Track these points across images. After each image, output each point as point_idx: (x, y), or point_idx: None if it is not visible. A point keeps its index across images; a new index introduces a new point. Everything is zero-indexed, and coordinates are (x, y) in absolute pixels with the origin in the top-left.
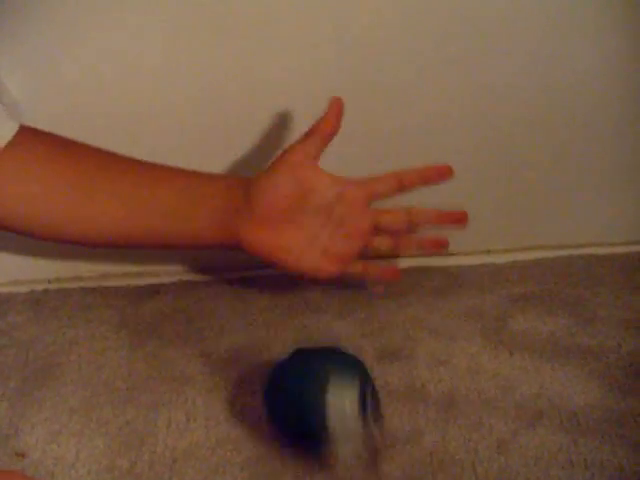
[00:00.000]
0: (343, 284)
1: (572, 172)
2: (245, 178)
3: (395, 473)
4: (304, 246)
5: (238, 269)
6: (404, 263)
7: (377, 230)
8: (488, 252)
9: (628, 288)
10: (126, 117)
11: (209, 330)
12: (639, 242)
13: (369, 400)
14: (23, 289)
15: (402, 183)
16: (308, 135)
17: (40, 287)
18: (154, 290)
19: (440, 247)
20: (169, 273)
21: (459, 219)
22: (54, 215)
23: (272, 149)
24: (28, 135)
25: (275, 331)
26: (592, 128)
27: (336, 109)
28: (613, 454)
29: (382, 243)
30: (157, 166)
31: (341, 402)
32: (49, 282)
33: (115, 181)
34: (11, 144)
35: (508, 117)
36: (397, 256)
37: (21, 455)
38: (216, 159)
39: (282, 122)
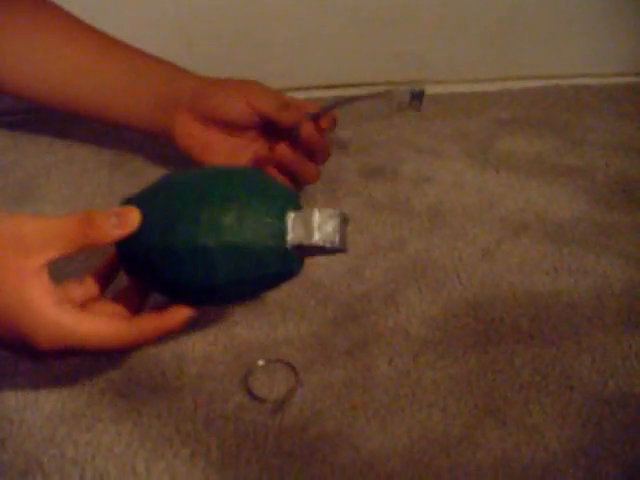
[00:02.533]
0: None
1: (559, 1)
2: (195, 76)
3: (378, 279)
4: (232, 153)
5: None
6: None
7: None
8: (476, 81)
9: (616, 115)
10: None
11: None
12: (628, 73)
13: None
14: (1, 118)
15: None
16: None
17: (19, 117)
18: None
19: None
20: None
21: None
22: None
23: None
24: None
25: None
26: None
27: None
28: (597, 262)
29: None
30: (113, 39)
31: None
32: (28, 112)
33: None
34: None
35: None
36: None
37: None
38: None
39: None
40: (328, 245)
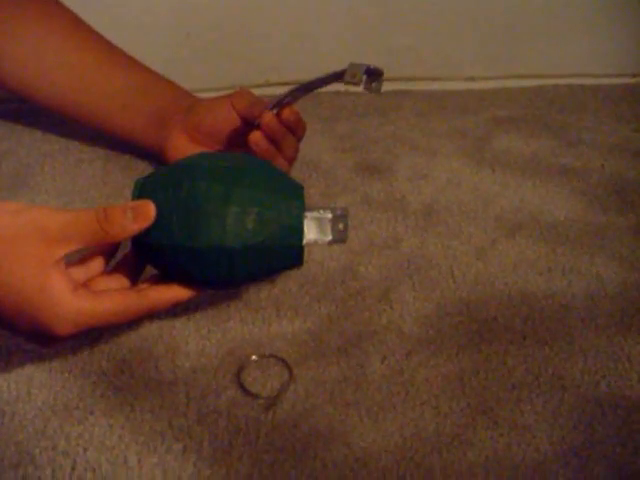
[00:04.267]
0: None
1: (558, 1)
2: (191, 96)
3: (372, 276)
4: None
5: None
6: (384, 86)
7: None
8: (473, 79)
9: (613, 116)
10: None
11: None
12: (625, 74)
13: None
14: None
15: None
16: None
17: (13, 105)
18: None
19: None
20: None
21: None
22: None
23: None
24: None
25: None
26: None
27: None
28: (591, 263)
29: None
30: (121, 52)
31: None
32: (23, 101)
33: (78, 50)
34: None
35: None
36: None
37: None
38: None
39: None
40: (338, 243)
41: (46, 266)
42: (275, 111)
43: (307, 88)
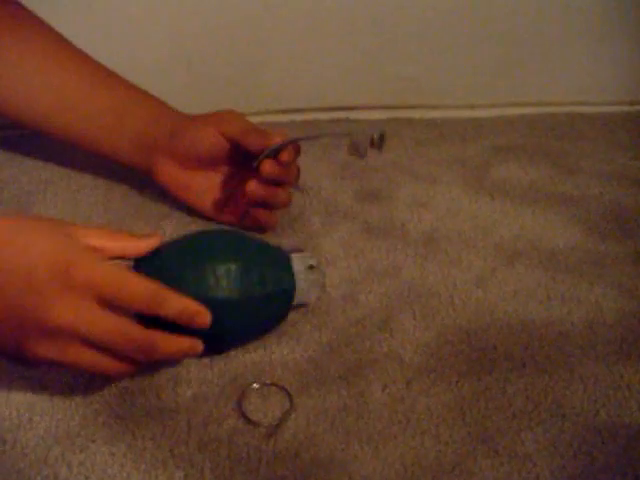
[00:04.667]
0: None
1: (557, 29)
2: (176, 115)
3: (372, 304)
4: (207, 190)
5: None
6: (384, 114)
7: None
8: (472, 107)
9: (611, 144)
10: None
11: None
12: (623, 102)
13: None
14: None
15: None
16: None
17: (15, 132)
18: None
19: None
20: None
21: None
22: None
23: None
24: None
25: None
26: None
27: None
28: (590, 291)
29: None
30: (104, 71)
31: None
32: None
33: (61, 70)
34: None
35: None
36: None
37: None
38: None
39: None
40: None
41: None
42: (272, 155)
43: (309, 138)
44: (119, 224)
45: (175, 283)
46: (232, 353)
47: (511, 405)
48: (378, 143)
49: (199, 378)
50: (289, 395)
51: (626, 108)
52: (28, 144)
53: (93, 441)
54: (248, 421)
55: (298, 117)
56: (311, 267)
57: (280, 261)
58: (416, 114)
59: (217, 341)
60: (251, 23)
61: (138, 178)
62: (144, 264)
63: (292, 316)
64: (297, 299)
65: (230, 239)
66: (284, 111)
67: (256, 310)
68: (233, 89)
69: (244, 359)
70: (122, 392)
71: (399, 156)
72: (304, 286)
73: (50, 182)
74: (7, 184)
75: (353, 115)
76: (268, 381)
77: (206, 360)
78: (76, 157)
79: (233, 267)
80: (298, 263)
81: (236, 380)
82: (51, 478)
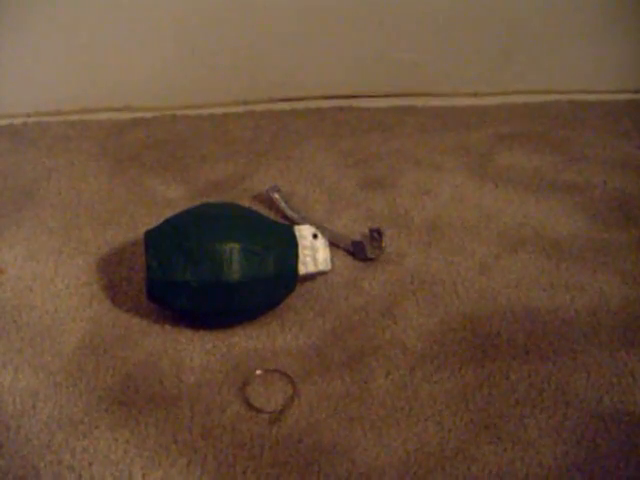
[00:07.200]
0: None
1: (561, 18)
2: None
3: (376, 291)
4: None
5: (220, 105)
6: (388, 102)
7: None
8: (475, 94)
9: (615, 132)
10: None
11: (190, 159)
12: (627, 90)
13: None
14: (1, 122)
15: None
16: None
17: (19, 120)
18: (134, 123)
19: None
20: (149, 108)
21: None
22: None
23: None
24: None
25: (258, 161)
26: None
27: None
28: (594, 278)
29: None
30: None
31: None
32: (28, 116)
33: None
34: None
35: None
36: None
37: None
38: None
39: None
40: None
41: None
42: None
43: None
44: (122, 212)
45: (185, 258)
46: (235, 340)
47: (514, 392)
48: (377, 239)
49: (202, 365)
50: (292, 382)
51: (630, 96)
52: (32, 132)
53: (96, 427)
54: (251, 408)
55: (300, 105)
56: (315, 236)
57: (284, 234)
58: (420, 102)
59: (225, 316)
60: (254, 10)
61: (141, 165)
62: (155, 235)
63: (295, 303)
64: (306, 269)
65: (235, 216)
66: (287, 99)
67: (263, 288)
68: (237, 77)
69: (247, 346)
70: (125, 379)
71: (402, 144)
72: (309, 255)
73: (54, 170)
74: (11, 172)
75: (356, 103)
76: (271, 368)
77: (209, 346)
78: (80, 145)
79: (238, 247)
80: (303, 234)
81: (239, 367)
82: (55, 464)
